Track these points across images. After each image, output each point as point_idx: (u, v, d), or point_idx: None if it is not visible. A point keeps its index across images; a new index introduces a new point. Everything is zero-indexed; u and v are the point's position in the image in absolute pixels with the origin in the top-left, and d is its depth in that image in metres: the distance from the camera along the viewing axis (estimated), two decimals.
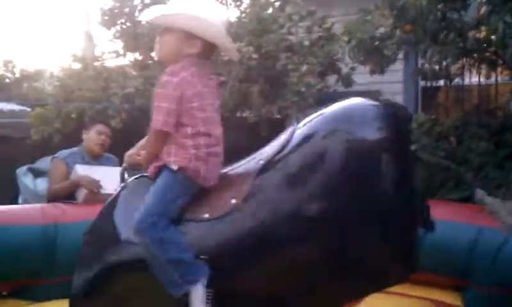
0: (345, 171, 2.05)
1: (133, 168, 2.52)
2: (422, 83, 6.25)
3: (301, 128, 2.23)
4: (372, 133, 2.11)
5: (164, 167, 2.24)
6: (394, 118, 2.16)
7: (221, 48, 2.40)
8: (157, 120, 2.20)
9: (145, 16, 2.66)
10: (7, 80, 12.20)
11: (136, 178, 2.48)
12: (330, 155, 2.07)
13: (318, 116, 2.24)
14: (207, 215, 2.18)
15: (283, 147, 2.18)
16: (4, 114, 6.89)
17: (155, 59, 6.03)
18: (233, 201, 2.15)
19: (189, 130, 2.22)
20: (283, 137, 2.25)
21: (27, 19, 28.62)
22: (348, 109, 2.26)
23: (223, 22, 2.34)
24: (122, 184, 2.51)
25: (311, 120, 2.24)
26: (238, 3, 7.15)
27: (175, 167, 2.21)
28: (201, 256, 2.11)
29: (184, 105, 2.20)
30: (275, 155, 2.19)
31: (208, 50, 2.32)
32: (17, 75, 12.38)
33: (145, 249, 2.15)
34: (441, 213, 3.47)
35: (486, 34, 3.72)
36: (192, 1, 2.30)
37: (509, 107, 3.21)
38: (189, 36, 2.26)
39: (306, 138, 2.16)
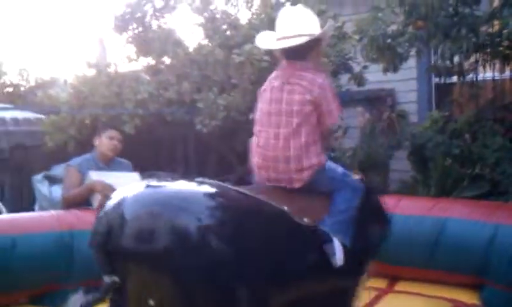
0: None
1: None
2: (435, 80, 6.19)
3: None
4: None
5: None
6: None
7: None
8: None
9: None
10: (22, 89, 12.31)
11: None
12: None
13: None
14: None
15: None
16: (19, 122, 6.95)
17: (167, 63, 6.06)
18: None
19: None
20: None
21: (41, 27, 28.89)
22: None
23: None
24: None
25: None
26: (249, 4, 7.16)
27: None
28: None
29: None
30: None
31: None
32: (32, 83, 12.48)
33: None
34: (458, 211, 3.46)
35: (498, 28, 3.68)
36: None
37: None
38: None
39: None
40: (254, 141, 2.65)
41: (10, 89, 12.43)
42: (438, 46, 3.62)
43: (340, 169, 2.62)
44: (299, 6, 2.85)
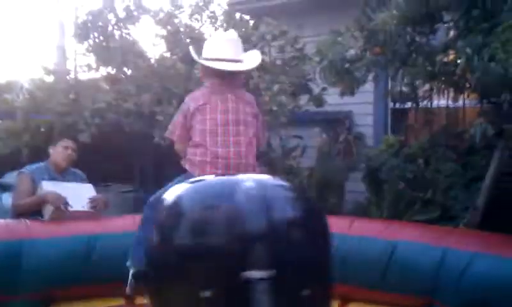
0: None
1: None
2: (391, 105, 6.34)
3: None
4: None
5: None
6: None
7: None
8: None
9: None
10: None
11: None
12: None
13: None
14: None
15: None
16: None
17: (128, 74, 6.01)
18: None
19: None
20: None
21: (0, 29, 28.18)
22: None
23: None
24: None
25: None
26: (213, 20, 7.19)
27: None
28: None
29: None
30: None
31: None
32: None
33: None
34: (409, 234, 3.55)
35: (453, 58, 3.81)
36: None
37: (475, 133, 3.26)
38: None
39: None
40: (201, 151, 2.74)
41: None
42: (395, 73, 3.72)
43: None
44: (233, 31, 3.18)
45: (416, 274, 3.31)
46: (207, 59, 2.91)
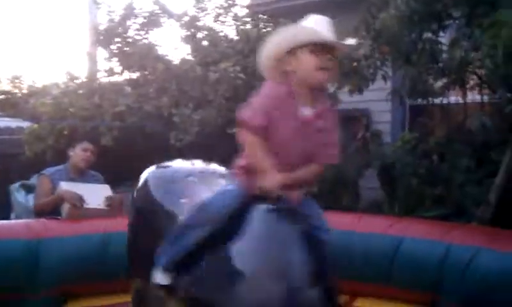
0: None
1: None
2: (409, 101, 6.32)
3: None
4: None
5: None
6: None
7: None
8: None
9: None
10: (14, 96, 12.33)
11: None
12: None
13: None
14: None
15: None
16: (1, 130, 7.03)
17: (148, 77, 6.18)
18: None
19: None
20: None
21: (36, 34, 29.00)
22: None
23: None
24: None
25: None
26: (238, 22, 7.29)
27: None
28: None
29: None
30: None
31: None
32: (24, 91, 12.51)
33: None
34: (415, 230, 3.58)
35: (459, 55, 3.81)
36: None
37: (474, 127, 3.27)
38: None
39: None
40: None
41: (1, 97, 12.48)
42: (401, 71, 3.75)
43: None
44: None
45: (420, 269, 3.35)
46: None
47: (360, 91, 4.07)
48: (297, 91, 2.20)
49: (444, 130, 5.39)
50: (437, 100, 5.03)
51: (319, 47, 2.16)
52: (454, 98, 5.28)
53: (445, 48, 4.06)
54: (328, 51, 2.19)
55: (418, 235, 3.49)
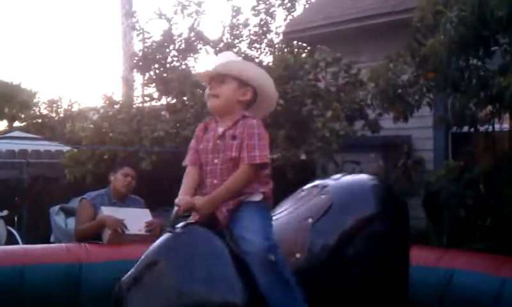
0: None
1: (183, 214, 2.51)
2: (452, 129, 6.17)
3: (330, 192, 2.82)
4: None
5: (246, 202, 2.45)
6: None
7: (266, 96, 2.65)
8: (263, 155, 2.44)
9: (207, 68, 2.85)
10: (51, 119, 12.58)
11: (186, 225, 2.48)
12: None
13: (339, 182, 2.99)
14: None
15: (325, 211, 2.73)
16: (40, 154, 7.14)
17: (186, 103, 6.19)
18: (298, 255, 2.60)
19: None
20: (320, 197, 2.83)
21: (70, 58, 29.83)
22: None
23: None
24: (171, 229, 2.46)
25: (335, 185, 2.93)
26: (271, 49, 7.31)
27: (258, 198, 2.47)
28: None
29: None
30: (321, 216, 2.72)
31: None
32: (61, 115, 12.76)
33: (272, 268, 2.31)
34: (465, 263, 3.44)
35: (510, 81, 3.69)
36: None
37: None
38: (242, 84, 2.54)
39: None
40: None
41: (39, 121, 12.76)
42: (448, 98, 3.64)
43: None
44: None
45: (473, 304, 3.21)
46: None
47: (406, 118, 3.97)
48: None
49: (490, 159, 5.23)
50: (481, 128, 4.90)
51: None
52: (498, 125, 5.14)
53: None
54: (209, 82, 2.62)
55: (469, 268, 3.36)
